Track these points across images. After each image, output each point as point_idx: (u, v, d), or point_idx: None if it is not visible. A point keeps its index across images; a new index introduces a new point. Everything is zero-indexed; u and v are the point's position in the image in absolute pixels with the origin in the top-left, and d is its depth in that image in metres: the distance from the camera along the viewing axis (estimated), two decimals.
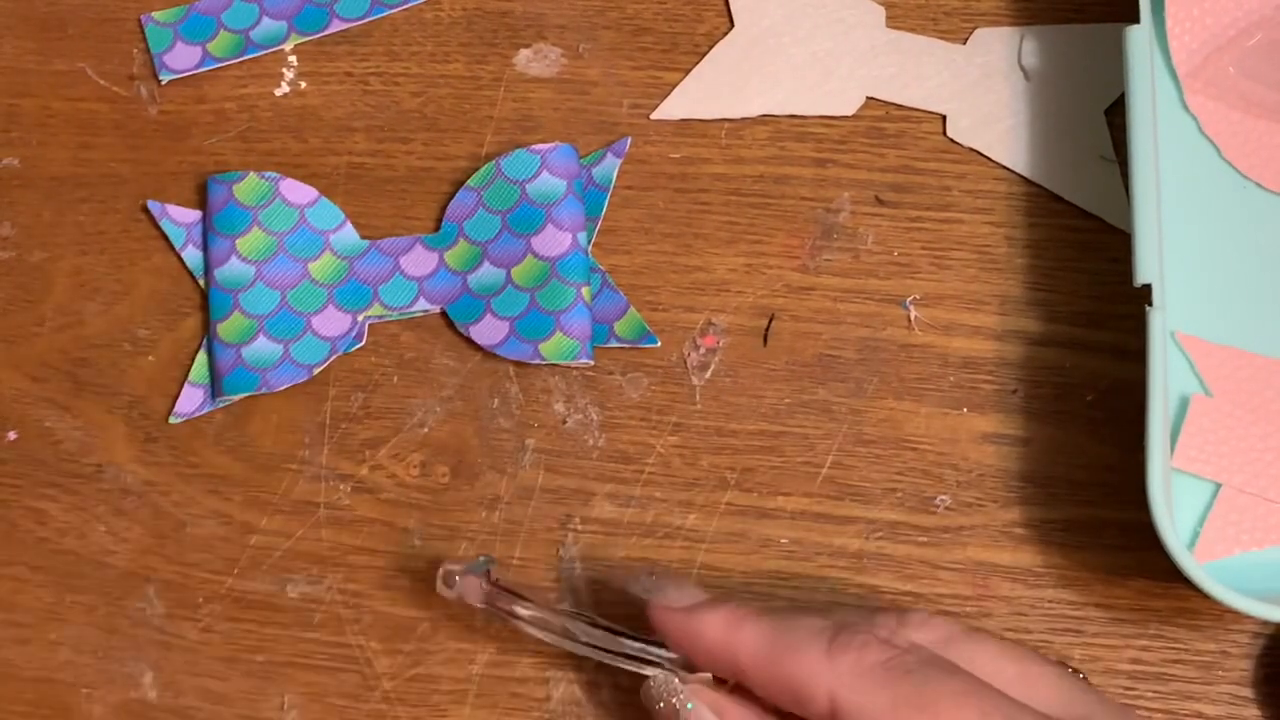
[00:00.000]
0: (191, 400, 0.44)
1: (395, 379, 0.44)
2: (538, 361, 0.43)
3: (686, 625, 0.36)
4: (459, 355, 0.44)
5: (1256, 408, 0.41)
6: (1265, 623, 0.41)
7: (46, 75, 0.48)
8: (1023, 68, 0.45)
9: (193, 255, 0.45)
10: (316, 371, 0.44)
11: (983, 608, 0.42)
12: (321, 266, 0.45)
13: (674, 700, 0.36)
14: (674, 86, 0.46)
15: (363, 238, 0.45)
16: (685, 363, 0.44)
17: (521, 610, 0.38)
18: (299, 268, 0.45)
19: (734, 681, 0.36)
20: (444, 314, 0.44)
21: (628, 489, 0.43)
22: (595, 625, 0.38)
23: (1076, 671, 0.40)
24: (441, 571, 0.39)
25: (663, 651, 0.37)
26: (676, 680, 0.37)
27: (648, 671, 0.37)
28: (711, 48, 0.46)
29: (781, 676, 0.34)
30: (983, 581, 0.42)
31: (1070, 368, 0.43)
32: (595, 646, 0.38)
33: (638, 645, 0.38)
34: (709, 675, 0.37)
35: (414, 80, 0.47)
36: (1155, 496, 0.37)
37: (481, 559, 0.40)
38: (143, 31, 0.48)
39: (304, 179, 0.45)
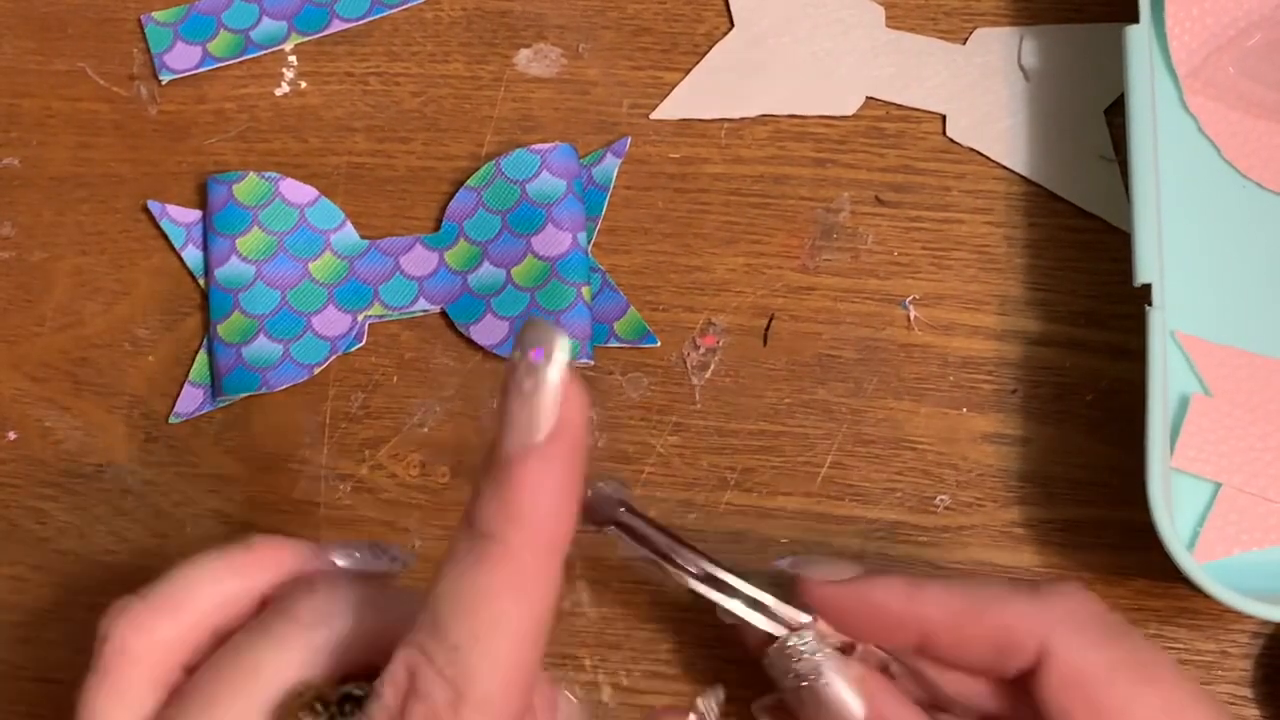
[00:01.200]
0: (192, 400, 0.44)
1: (395, 379, 0.44)
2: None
3: (858, 595, 0.34)
4: (459, 355, 0.44)
5: (1256, 408, 0.41)
6: (1265, 623, 0.41)
7: (46, 75, 0.48)
8: (1022, 68, 0.45)
9: (193, 255, 0.45)
10: (317, 371, 0.44)
11: None
12: (322, 266, 0.45)
13: (816, 662, 0.34)
14: (674, 86, 0.46)
15: (363, 237, 0.45)
16: (685, 363, 0.44)
17: (654, 536, 0.36)
18: (299, 267, 0.45)
19: (889, 657, 0.35)
20: (444, 314, 0.44)
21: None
22: (729, 570, 0.35)
23: None
24: None
25: (800, 614, 0.35)
26: (822, 644, 0.34)
27: (779, 631, 0.35)
28: (711, 48, 0.46)
29: (983, 631, 0.33)
30: None
31: (1070, 368, 0.43)
32: (727, 590, 0.35)
33: (774, 600, 0.35)
34: (853, 648, 0.35)
35: (414, 80, 0.47)
36: (1155, 496, 0.38)
37: (615, 481, 0.37)
38: (143, 31, 0.48)
39: (304, 179, 0.45)
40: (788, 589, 0.36)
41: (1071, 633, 0.32)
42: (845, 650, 0.35)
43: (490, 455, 0.28)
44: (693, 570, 0.36)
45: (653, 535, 0.36)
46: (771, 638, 0.35)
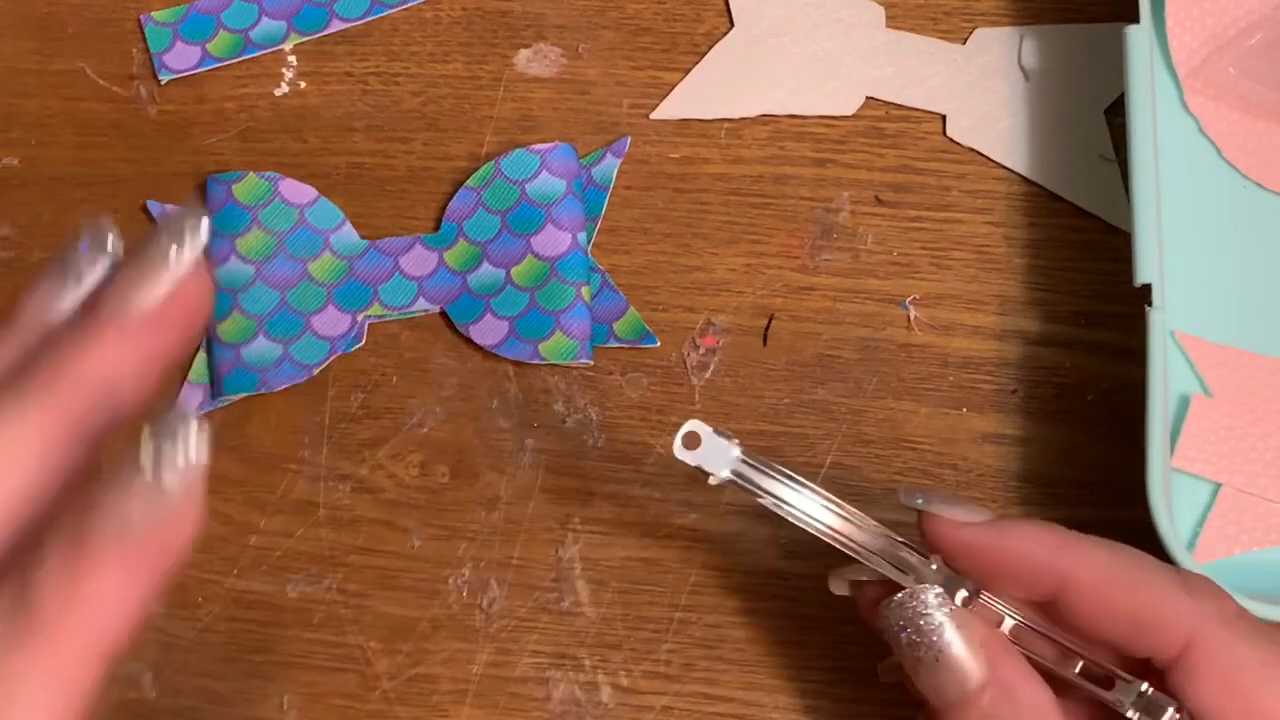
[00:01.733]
0: (191, 400, 0.44)
1: (395, 379, 0.44)
2: (537, 361, 0.43)
3: (1000, 540, 0.33)
4: (459, 355, 0.44)
5: (1256, 408, 0.41)
6: (1265, 622, 0.41)
7: (46, 75, 0.48)
8: (1022, 68, 0.45)
9: None
10: (316, 371, 0.44)
11: None
12: (321, 266, 0.45)
13: (939, 620, 0.33)
14: (674, 86, 0.46)
15: (362, 237, 0.45)
16: (685, 363, 0.44)
17: (775, 483, 0.34)
18: (299, 267, 0.45)
19: (1011, 610, 0.34)
20: (444, 314, 0.44)
21: (628, 489, 0.43)
22: (855, 519, 0.34)
23: None
24: (684, 431, 0.34)
25: (929, 563, 0.34)
26: (949, 601, 0.33)
27: (906, 581, 0.33)
28: (711, 48, 0.46)
29: (1129, 604, 0.32)
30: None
31: (1070, 368, 0.43)
32: (852, 538, 0.34)
33: (906, 549, 0.34)
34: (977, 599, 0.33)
35: (414, 80, 0.47)
36: (1155, 497, 0.37)
37: (723, 430, 0.35)
38: (142, 31, 0.48)
39: (303, 179, 0.45)
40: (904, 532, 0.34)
41: (1223, 626, 0.32)
42: (965, 603, 0.33)
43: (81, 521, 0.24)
44: (814, 515, 0.34)
45: (770, 481, 0.34)
46: (888, 590, 0.34)
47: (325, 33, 0.47)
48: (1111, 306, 0.43)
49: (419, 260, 0.45)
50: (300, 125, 0.47)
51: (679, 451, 0.34)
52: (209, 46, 0.47)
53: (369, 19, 0.47)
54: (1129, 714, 0.33)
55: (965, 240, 0.44)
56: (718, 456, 0.34)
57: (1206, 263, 0.43)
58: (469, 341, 0.44)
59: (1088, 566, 0.33)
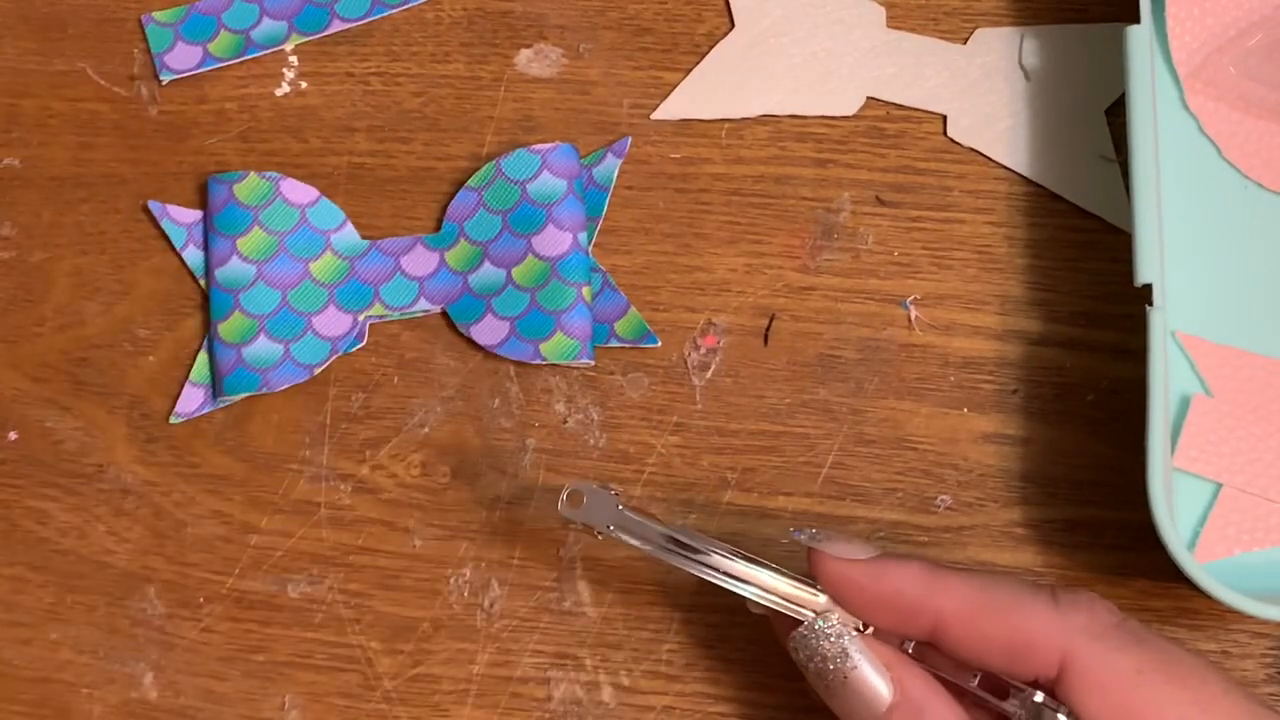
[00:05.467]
0: (192, 400, 0.44)
1: (396, 379, 0.44)
2: (538, 361, 0.43)
3: (875, 577, 0.34)
4: (459, 355, 0.44)
5: (1257, 408, 0.41)
6: (1265, 622, 0.41)
7: (47, 75, 0.48)
8: (1023, 68, 0.45)
9: (193, 255, 0.45)
10: (317, 371, 0.44)
11: None
12: (322, 266, 0.45)
13: (842, 647, 0.34)
14: (674, 87, 0.46)
15: (363, 238, 0.45)
16: (686, 363, 0.44)
17: (656, 531, 0.35)
18: (300, 267, 0.45)
19: (902, 641, 0.35)
20: (444, 314, 0.44)
21: (628, 489, 0.43)
22: (738, 557, 0.35)
23: None
24: (567, 491, 0.36)
25: (814, 595, 0.35)
26: (849, 629, 0.34)
27: (799, 615, 0.35)
28: (712, 48, 0.46)
29: (1000, 631, 0.33)
30: None
31: (1070, 368, 0.43)
32: (738, 578, 0.35)
33: (788, 583, 0.35)
34: (869, 628, 0.34)
35: (414, 80, 0.47)
36: (1156, 496, 0.38)
37: (606, 486, 0.36)
38: (143, 31, 0.48)
39: (305, 179, 0.45)
40: (800, 570, 0.35)
41: (1094, 640, 0.32)
42: (866, 627, 0.35)
43: None
44: (704, 561, 0.35)
45: (655, 530, 0.36)
46: (795, 621, 0.35)
47: (326, 33, 0.47)
48: (1112, 306, 0.43)
49: (420, 260, 0.45)
50: (301, 125, 0.47)
51: (563, 510, 0.36)
52: (210, 47, 0.47)
53: (370, 19, 0.47)
54: None
55: (966, 240, 0.44)
56: (601, 512, 0.35)
57: (1207, 263, 0.43)
58: (470, 342, 0.44)
59: (956, 600, 0.34)
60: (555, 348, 0.43)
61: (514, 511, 0.43)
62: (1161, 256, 0.39)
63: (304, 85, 0.47)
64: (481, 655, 0.42)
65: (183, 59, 0.47)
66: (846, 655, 0.34)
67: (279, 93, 0.47)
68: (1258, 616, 0.37)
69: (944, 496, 0.43)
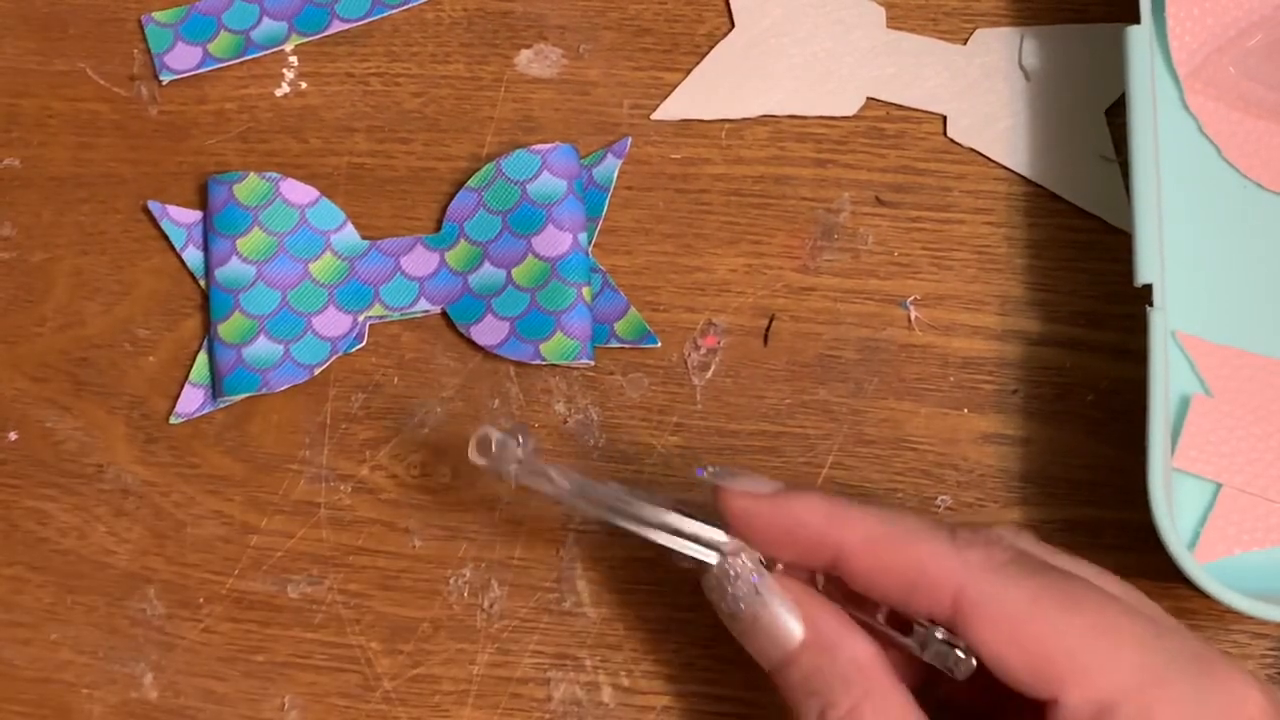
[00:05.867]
0: (192, 400, 0.44)
1: (396, 379, 0.44)
2: (538, 362, 0.43)
3: (778, 509, 0.34)
4: (459, 355, 0.44)
5: (1257, 408, 0.41)
6: (1265, 622, 0.41)
7: (47, 75, 0.48)
8: (1023, 68, 0.45)
9: (193, 255, 0.45)
10: (317, 372, 0.44)
11: None
12: (322, 267, 0.45)
13: (751, 586, 0.34)
14: (674, 87, 0.46)
15: (363, 238, 0.45)
16: (686, 363, 0.44)
17: (562, 479, 0.35)
18: (300, 268, 0.45)
19: (809, 574, 0.35)
20: (444, 314, 0.44)
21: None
22: (645, 501, 0.35)
23: None
24: (477, 436, 0.36)
25: (721, 535, 0.35)
26: (757, 566, 0.34)
27: (702, 556, 0.35)
28: (712, 48, 0.46)
29: (899, 564, 0.33)
30: None
31: (1070, 368, 0.43)
32: (645, 522, 0.35)
33: (694, 524, 0.35)
34: (777, 564, 0.35)
35: (414, 81, 0.47)
36: (1156, 497, 0.38)
37: (516, 427, 0.36)
38: (143, 32, 0.48)
39: (304, 179, 0.45)
40: (708, 510, 0.35)
41: (987, 574, 0.32)
42: (772, 566, 0.35)
43: None
44: (610, 505, 0.35)
45: (559, 475, 0.35)
46: (705, 564, 0.35)
47: (326, 33, 0.47)
48: (1112, 306, 0.43)
49: (420, 261, 0.45)
50: (301, 126, 0.47)
51: (472, 456, 0.35)
52: (210, 47, 0.47)
53: (370, 20, 0.47)
54: (924, 656, 0.33)
55: (966, 241, 0.44)
56: (508, 456, 0.35)
57: (1207, 263, 0.43)
58: (470, 342, 0.44)
59: (856, 531, 0.33)
60: (555, 348, 0.43)
61: (514, 511, 0.43)
62: (1161, 256, 0.39)
63: (304, 85, 0.47)
64: (481, 656, 0.42)
65: (183, 59, 0.47)
66: (756, 593, 0.34)
67: (279, 93, 0.47)
68: (1258, 616, 0.37)
69: (944, 496, 0.43)
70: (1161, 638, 0.32)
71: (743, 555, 0.34)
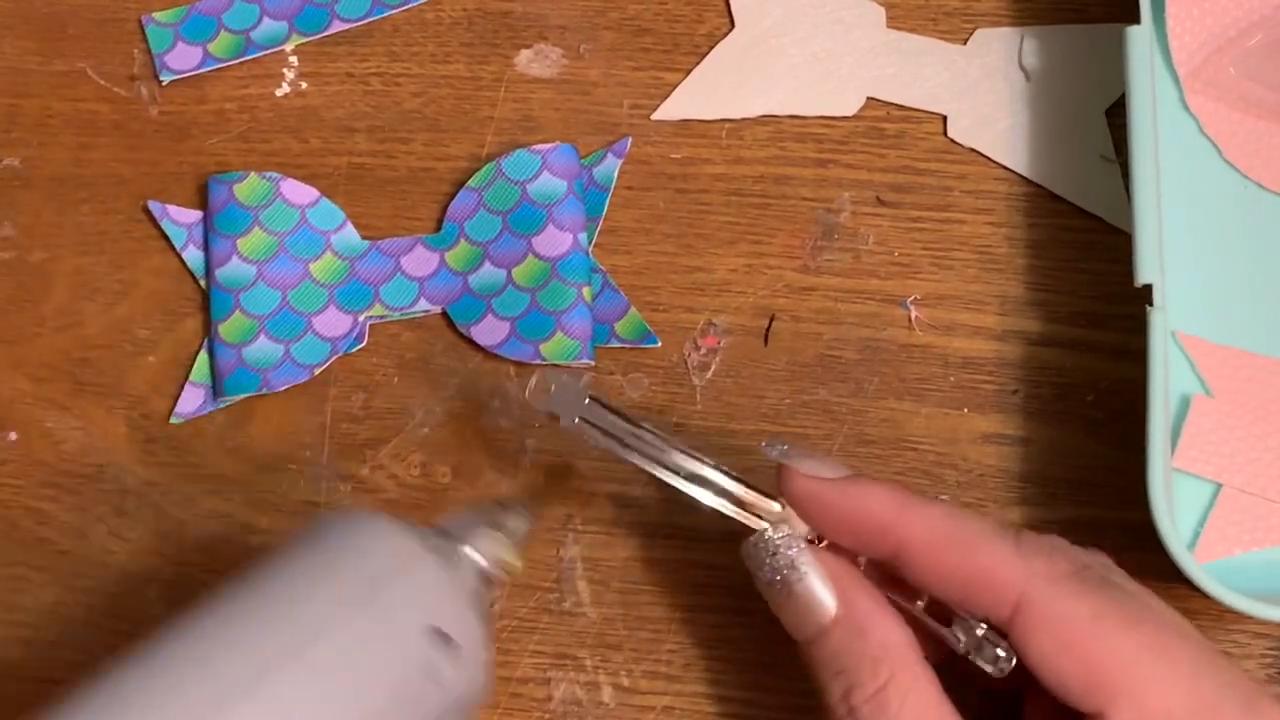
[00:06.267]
0: (192, 400, 0.44)
1: (396, 379, 0.44)
2: (539, 362, 0.43)
3: (846, 497, 0.34)
4: (459, 355, 0.44)
5: (1257, 408, 0.41)
6: (1265, 622, 0.41)
7: (47, 75, 0.48)
8: (1023, 68, 0.46)
9: (194, 255, 0.45)
10: (317, 372, 0.44)
11: None
12: (322, 267, 0.45)
13: (790, 558, 0.34)
14: (674, 87, 0.46)
15: (363, 238, 0.45)
16: (686, 363, 0.44)
17: (622, 428, 0.35)
18: (300, 268, 0.45)
19: (865, 559, 0.35)
20: (444, 314, 0.44)
21: (628, 489, 0.43)
22: (699, 459, 0.35)
23: None
24: (535, 378, 0.36)
25: (770, 504, 0.35)
26: (799, 539, 0.34)
27: (751, 522, 0.35)
28: (712, 48, 0.46)
29: (962, 565, 0.33)
30: None
31: (1070, 368, 0.43)
32: (700, 480, 0.35)
33: (743, 489, 0.35)
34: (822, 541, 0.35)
35: (415, 81, 0.47)
36: (1155, 497, 0.38)
37: (578, 375, 0.36)
38: (143, 32, 0.48)
39: (305, 179, 0.45)
40: (761, 480, 0.36)
41: (1051, 584, 0.33)
42: (816, 540, 0.35)
43: None
44: (662, 460, 0.35)
45: (619, 427, 0.36)
46: (748, 529, 0.35)
47: (326, 33, 0.47)
48: (1112, 307, 0.43)
49: (420, 261, 0.45)
50: (301, 126, 0.47)
51: (531, 397, 0.36)
52: (210, 47, 0.47)
53: (370, 19, 0.47)
54: (960, 649, 0.34)
55: (966, 241, 0.44)
56: (569, 404, 0.36)
57: (1207, 263, 0.43)
58: (470, 342, 0.44)
59: (923, 528, 0.34)
60: (555, 348, 0.43)
61: None
62: (1161, 256, 0.40)
63: (304, 85, 0.47)
64: None
65: (183, 59, 0.47)
66: (794, 566, 0.34)
67: (279, 93, 0.47)
68: (1258, 616, 0.37)
69: (944, 496, 0.43)
70: (1216, 668, 0.32)
71: (786, 526, 0.35)
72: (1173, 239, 0.42)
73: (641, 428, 0.36)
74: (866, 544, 0.35)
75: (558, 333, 0.43)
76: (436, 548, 0.35)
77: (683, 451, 0.36)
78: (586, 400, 0.36)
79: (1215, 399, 0.41)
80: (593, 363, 0.44)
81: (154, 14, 0.48)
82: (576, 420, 0.36)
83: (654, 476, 0.36)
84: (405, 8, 0.47)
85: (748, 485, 0.36)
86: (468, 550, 0.35)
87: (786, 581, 0.34)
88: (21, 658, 0.43)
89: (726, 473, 0.36)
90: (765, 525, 0.35)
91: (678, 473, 0.36)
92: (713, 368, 0.44)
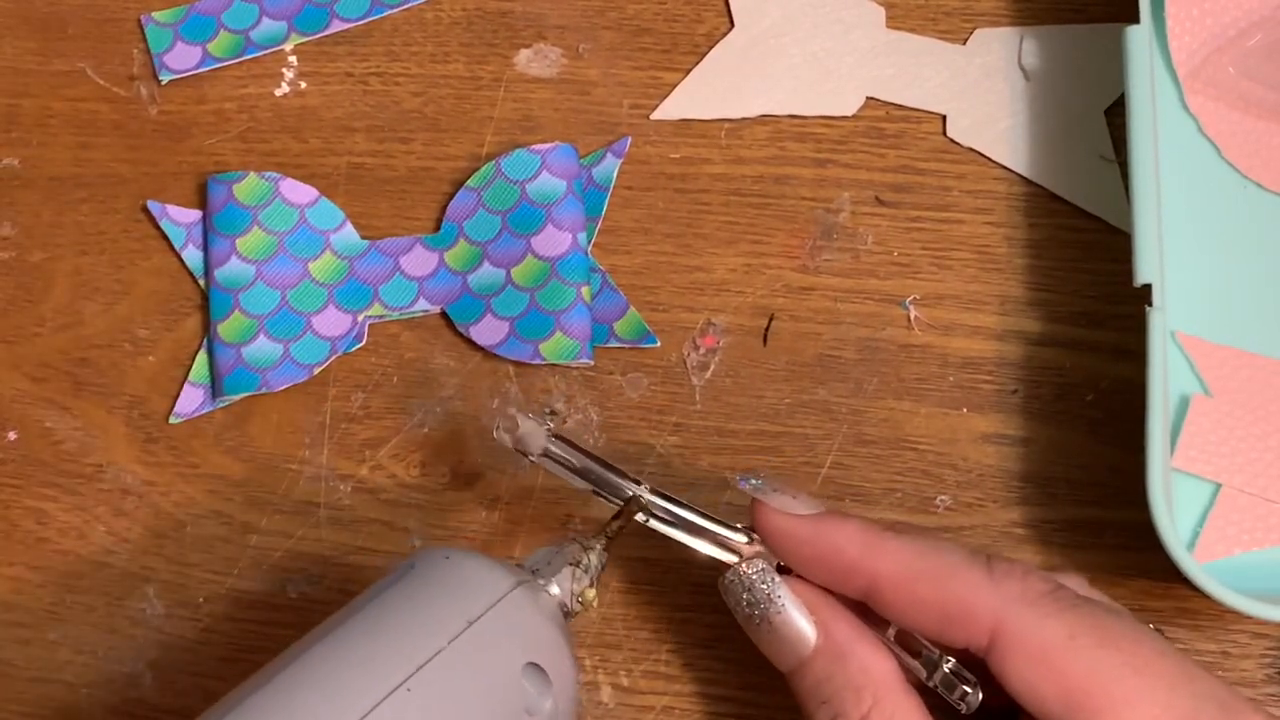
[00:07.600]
0: (192, 400, 0.44)
1: (395, 379, 0.44)
2: (538, 362, 0.43)
3: (815, 533, 0.34)
4: (459, 355, 0.44)
5: (1256, 408, 0.41)
6: (1265, 623, 0.41)
7: (46, 75, 0.48)
8: (1023, 68, 0.45)
9: (193, 255, 0.45)
10: (317, 371, 0.44)
11: None
12: (322, 266, 0.45)
13: (768, 591, 0.34)
14: (674, 87, 0.46)
15: (363, 238, 0.45)
16: (685, 363, 0.44)
17: (586, 465, 0.36)
18: (299, 267, 0.45)
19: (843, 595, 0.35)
20: (444, 314, 0.44)
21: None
22: (667, 497, 0.36)
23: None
24: (501, 416, 0.36)
25: (741, 538, 0.35)
26: (774, 571, 0.34)
27: (725, 557, 0.35)
28: (711, 48, 0.46)
29: (935, 597, 0.33)
30: None
31: (1070, 368, 0.43)
32: (666, 519, 0.35)
33: (716, 527, 0.35)
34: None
35: (414, 80, 0.47)
36: (1155, 497, 0.38)
37: (545, 410, 0.37)
38: (143, 32, 0.48)
39: (304, 179, 0.45)
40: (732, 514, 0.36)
41: (1026, 608, 0.33)
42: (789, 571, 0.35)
43: None
44: (624, 496, 0.36)
45: (586, 465, 0.36)
46: (723, 563, 0.35)
47: (326, 33, 0.47)
48: (1112, 307, 0.43)
49: (419, 260, 0.45)
50: (301, 125, 0.47)
51: (497, 435, 0.36)
52: (209, 47, 0.47)
53: (369, 19, 0.47)
54: (929, 683, 0.34)
55: (966, 240, 0.44)
56: (533, 438, 0.36)
57: (1207, 263, 0.43)
58: (469, 342, 0.44)
59: (892, 563, 0.34)
60: (555, 348, 0.43)
61: (514, 511, 0.43)
62: (1161, 256, 0.40)
63: (304, 85, 0.47)
64: None
65: (182, 59, 0.47)
66: (772, 599, 0.34)
67: (279, 93, 0.47)
68: (1257, 617, 0.37)
69: (943, 496, 0.43)
70: (1191, 680, 0.32)
71: (760, 560, 0.35)
72: (1172, 239, 0.42)
73: (608, 466, 0.36)
74: (839, 582, 0.35)
75: (557, 332, 0.43)
76: (527, 584, 0.35)
77: (654, 491, 0.36)
78: (549, 439, 0.36)
79: (1215, 399, 0.41)
80: (592, 362, 0.44)
81: (153, 14, 0.48)
82: (540, 459, 0.36)
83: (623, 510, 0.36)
84: (404, 7, 0.47)
85: (717, 520, 0.36)
86: (554, 588, 0.35)
87: (765, 615, 0.34)
88: (22, 658, 0.43)
89: (695, 509, 0.36)
90: (739, 560, 0.35)
91: (649, 511, 0.36)
92: (712, 368, 0.44)
